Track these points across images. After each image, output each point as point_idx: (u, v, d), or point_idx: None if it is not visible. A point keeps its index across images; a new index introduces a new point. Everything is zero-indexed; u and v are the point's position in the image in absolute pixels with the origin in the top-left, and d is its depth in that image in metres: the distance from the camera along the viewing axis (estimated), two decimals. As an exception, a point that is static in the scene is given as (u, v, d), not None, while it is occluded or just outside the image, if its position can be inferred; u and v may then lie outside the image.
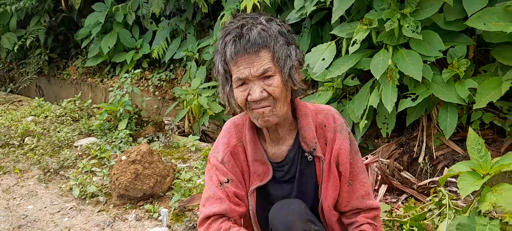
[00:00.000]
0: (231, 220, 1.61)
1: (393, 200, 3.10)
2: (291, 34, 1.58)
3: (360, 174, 1.69)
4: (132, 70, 5.37)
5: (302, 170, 1.67)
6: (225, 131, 1.74)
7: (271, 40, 1.49)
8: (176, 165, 3.73)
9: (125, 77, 4.87)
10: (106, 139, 4.45)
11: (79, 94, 5.83)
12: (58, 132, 4.75)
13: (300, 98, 1.72)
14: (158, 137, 4.46)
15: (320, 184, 1.67)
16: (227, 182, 1.64)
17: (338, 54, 3.70)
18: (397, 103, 3.29)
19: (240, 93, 1.53)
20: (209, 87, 4.84)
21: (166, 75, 5.70)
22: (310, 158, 1.64)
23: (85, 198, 3.40)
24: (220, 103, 4.71)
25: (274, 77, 1.50)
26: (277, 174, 1.69)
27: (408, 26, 3.19)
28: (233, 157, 1.67)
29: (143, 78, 5.86)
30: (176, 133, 4.98)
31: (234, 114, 2.04)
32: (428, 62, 3.25)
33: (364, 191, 1.68)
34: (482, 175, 2.19)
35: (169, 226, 2.85)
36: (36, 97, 6.03)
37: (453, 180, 3.00)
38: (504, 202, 2.01)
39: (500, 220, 1.99)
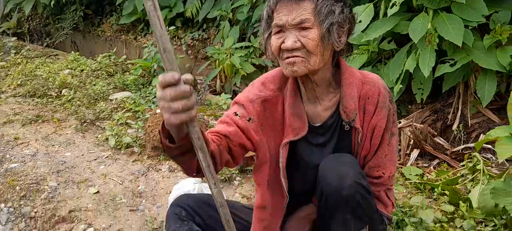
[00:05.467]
0: (223, 141, 1.56)
1: (425, 165, 3.09)
2: None
3: (388, 155, 1.67)
4: (166, 27, 5.40)
5: (339, 138, 1.66)
6: (266, 77, 1.71)
7: None
8: (208, 121, 3.79)
9: (160, 34, 4.91)
10: (140, 94, 4.54)
11: (114, 50, 5.92)
12: (94, 85, 4.87)
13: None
14: (190, 94, 4.52)
15: (355, 154, 1.66)
16: (249, 120, 1.62)
17: (375, 17, 3.63)
18: (434, 69, 3.23)
19: (275, 40, 1.52)
20: (242, 47, 4.84)
21: (199, 35, 5.71)
22: (347, 128, 1.62)
23: (120, 148, 3.51)
24: (252, 64, 4.72)
25: (311, 29, 1.47)
26: (311, 135, 1.67)
27: (450, -11, 3.10)
28: (266, 105, 1.66)
29: (176, 37, 5.89)
30: (208, 92, 5.03)
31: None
32: (470, 28, 3.16)
33: (381, 166, 1.67)
34: (520, 140, 2.16)
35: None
36: (72, 52, 6.16)
37: (488, 146, 2.96)
38: (543, 167, 1.99)
39: (537, 185, 1.97)
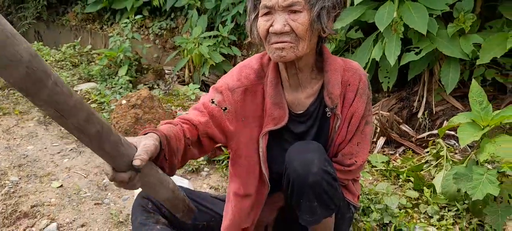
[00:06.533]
0: (193, 130, 1.53)
1: (391, 152, 3.13)
2: None
3: (361, 143, 1.66)
4: (133, 17, 5.30)
5: (320, 126, 1.64)
6: (246, 65, 1.67)
7: None
8: (176, 112, 3.74)
9: (125, 23, 4.81)
10: (106, 84, 4.43)
11: (79, 39, 5.76)
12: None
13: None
14: (158, 85, 4.45)
15: (330, 140, 1.65)
16: (224, 109, 1.58)
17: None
18: (400, 57, 3.27)
19: (263, 23, 1.46)
20: (210, 36, 4.78)
21: (167, 24, 5.62)
22: (329, 114, 1.60)
23: (85, 140, 3.42)
24: (221, 53, 4.67)
25: (301, 13, 1.41)
26: (292, 124, 1.64)
27: (415, -22, 3.13)
28: (247, 94, 1.61)
29: (144, 27, 5.79)
30: (176, 82, 4.97)
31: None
32: (434, 16, 3.21)
33: (353, 154, 1.65)
34: (482, 127, 2.21)
35: (168, 169, 2.87)
36: (35, 42, 5.97)
37: (451, 133, 3.02)
38: (503, 153, 2.03)
39: (497, 170, 2.01)
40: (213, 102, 1.59)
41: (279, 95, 1.60)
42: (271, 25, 1.44)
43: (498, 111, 2.24)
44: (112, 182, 1.12)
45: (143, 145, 1.17)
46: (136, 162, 1.10)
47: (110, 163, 1.08)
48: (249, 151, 1.66)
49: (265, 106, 1.61)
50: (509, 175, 2.03)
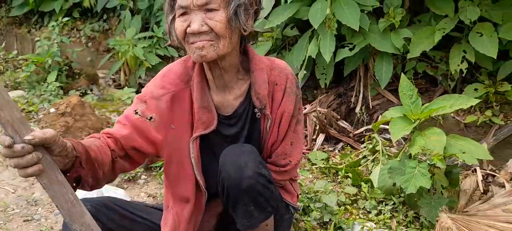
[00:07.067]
0: (117, 144, 1.52)
1: (330, 149, 3.16)
2: None
3: (295, 143, 1.66)
4: (61, 19, 5.04)
5: (250, 127, 1.62)
6: (170, 70, 1.62)
7: None
8: (111, 118, 3.59)
9: (53, 26, 4.56)
10: (34, 92, 4.18)
11: (3, 44, 5.41)
12: (-20, 85, 4.42)
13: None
14: (91, 90, 4.26)
15: (262, 141, 1.63)
16: (150, 119, 1.55)
17: (277, 4, 3.63)
18: (335, 54, 3.30)
19: (180, 24, 1.43)
20: (145, 38, 4.64)
21: (99, 26, 5.40)
22: (259, 115, 1.58)
23: (11, 153, 3.20)
24: (157, 55, 4.54)
25: (217, 11, 1.39)
26: (222, 126, 1.61)
27: (346, -25, 3.16)
28: (174, 100, 1.57)
29: (75, 29, 5.53)
30: (112, 86, 4.78)
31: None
32: (365, 12, 3.26)
33: (287, 154, 1.65)
34: (412, 120, 2.25)
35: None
36: (-46, 49, 5.55)
37: (387, 127, 3.09)
38: (433, 145, 2.09)
39: (429, 163, 2.06)
40: (136, 113, 1.54)
41: (206, 98, 1.56)
42: (188, 26, 1.41)
43: (427, 104, 2.30)
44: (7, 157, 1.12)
45: (43, 130, 1.19)
46: (28, 136, 1.12)
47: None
48: (181, 157, 1.61)
49: (194, 110, 1.57)
50: (440, 167, 2.08)
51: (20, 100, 4.01)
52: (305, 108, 3.28)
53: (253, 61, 1.58)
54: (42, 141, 1.14)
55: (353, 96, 3.55)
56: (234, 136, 1.63)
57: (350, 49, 3.26)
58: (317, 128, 3.23)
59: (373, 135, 2.79)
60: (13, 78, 4.48)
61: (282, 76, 1.59)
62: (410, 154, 2.15)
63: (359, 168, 2.69)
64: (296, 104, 1.62)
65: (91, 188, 1.44)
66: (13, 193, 2.79)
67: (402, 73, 2.50)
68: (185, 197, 1.66)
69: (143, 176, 2.91)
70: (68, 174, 1.30)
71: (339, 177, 2.68)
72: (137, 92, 4.41)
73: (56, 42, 4.39)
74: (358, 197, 2.44)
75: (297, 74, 3.47)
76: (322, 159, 2.88)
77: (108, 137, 1.50)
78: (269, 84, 1.58)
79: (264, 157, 1.65)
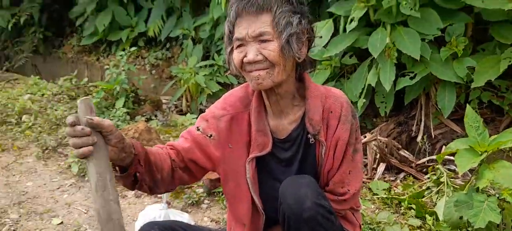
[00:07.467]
0: (178, 156, 1.63)
1: (391, 178, 3.13)
2: (301, 5, 1.58)
3: (353, 172, 1.66)
4: (128, 48, 5.33)
5: (305, 152, 1.66)
6: (231, 94, 1.74)
7: (274, 4, 1.50)
8: (174, 143, 3.73)
9: (121, 55, 4.84)
10: (104, 117, 4.43)
11: (75, 72, 5.79)
12: (55, 110, 4.73)
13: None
14: (156, 116, 4.46)
15: (319, 168, 1.66)
16: (210, 137, 1.65)
17: (335, 33, 3.69)
18: (395, 82, 3.29)
19: (237, 54, 1.54)
20: (206, 66, 4.82)
21: (163, 54, 5.66)
22: (312, 141, 1.63)
23: (84, 175, 3.41)
24: (217, 82, 4.70)
25: (271, 42, 1.49)
26: (277, 150, 1.67)
27: (406, 4, 3.17)
28: (233, 122, 1.67)
29: (140, 57, 5.82)
30: (174, 112, 4.98)
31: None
32: (426, 41, 3.24)
33: (345, 183, 1.66)
34: (479, 153, 2.21)
35: (168, 203, 2.87)
36: (32, 76, 6.00)
37: (452, 158, 3.03)
38: (502, 179, 2.04)
39: (498, 197, 2.01)
40: (198, 129, 1.67)
41: (262, 122, 1.65)
42: (245, 56, 1.52)
43: (495, 136, 2.25)
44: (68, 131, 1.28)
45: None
46: (89, 117, 1.28)
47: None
48: (237, 177, 1.69)
49: (251, 133, 1.66)
50: (510, 202, 2.02)
51: (91, 125, 4.26)
52: (365, 136, 3.28)
53: (308, 89, 1.64)
54: (99, 125, 1.29)
55: (414, 125, 3.50)
56: (288, 160, 1.68)
57: (411, 78, 3.24)
58: (378, 156, 3.22)
59: (437, 165, 2.75)
60: (84, 104, 4.77)
61: (337, 104, 1.63)
62: (478, 187, 2.11)
63: (423, 199, 2.65)
64: (351, 133, 1.64)
65: (150, 190, 1.58)
66: (85, 213, 2.96)
67: (468, 104, 2.46)
68: (241, 219, 1.72)
69: (206, 201, 3.00)
70: (128, 171, 1.45)
71: (402, 208, 2.65)
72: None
73: (124, 70, 4.65)
74: (423, 229, 2.41)
75: (356, 102, 3.49)
76: (384, 189, 2.86)
77: (171, 149, 1.63)
78: (324, 111, 1.62)
79: (322, 184, 1.68)
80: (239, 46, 1.54)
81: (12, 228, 2.77)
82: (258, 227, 1.74)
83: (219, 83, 4.69)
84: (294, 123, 1.66)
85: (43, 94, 5.32)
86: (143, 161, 1.47)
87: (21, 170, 3.61)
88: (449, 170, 2.92)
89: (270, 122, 1.67)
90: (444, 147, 3.13)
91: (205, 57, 5.09)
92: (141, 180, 1.51)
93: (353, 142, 1.65)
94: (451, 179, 2.69)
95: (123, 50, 5.46)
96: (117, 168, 1.49)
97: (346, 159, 1.65)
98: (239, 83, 4.76)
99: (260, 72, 1.50)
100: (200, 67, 4.77)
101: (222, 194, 2.97)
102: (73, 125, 1.27)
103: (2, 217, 2.89)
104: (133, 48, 5.17)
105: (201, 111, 4.77)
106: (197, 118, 4.22)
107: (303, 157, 1.66)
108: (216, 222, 2.78)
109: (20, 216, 2.91)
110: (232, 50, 1.58)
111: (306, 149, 1.66)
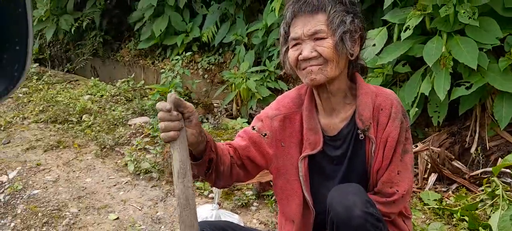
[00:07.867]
0: (235, 153, 1.70)
1: (443, 189, 3.07)
2: (354, 5, 1.65)
3: (402, 172, 1.66)
4: (183, 53, 5.51)
5: (355, 149, 1.69)
6: (285, 96, 1.82)
7: (329, 5, 1.59)
8: (225, 146, 3.83)
9: (176, 59, 5.01)
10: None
11: (132, 75, 6.03)
12: (113, 110, 4.96)
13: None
14: (207, 119, 4.58)
15: (368, 167, 1.68)
16: (264, 135, 1.73)
17: (389, 40, 3.66)
18: (449, 92, 3.23)
19: (293, 53, 1.62)
20: (257, 71, 4.90)
21: (215, 59, 5.80)
22: (362, 137, 1.65)
23: (139, 173, 3.56)
24: (268, 88, 4.77)
25: (325, 39, 1.58)
26: (328, 148, 1.71)
27: (464, 12, 3.11)
28: (285, 121, 1.75)
29: (193, 62, 5.99)
30: (225, 116, 5.08)
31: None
32: (484, 50, 3.17)
33: (394, 183, 1.65)
34: (539, 166, 2.15)
35: (219, 204, 2.95)
36: (92, 77, 6.30)
37: (507, 170, 2.94)
38: (562, 194, 1.97)
39: (557, 212, 1.95)
40: (254, 129, 1.76)
41: (313, 120, 1.72)
42: (300, 53, 1.60)
43: (556, 150, 2.17)
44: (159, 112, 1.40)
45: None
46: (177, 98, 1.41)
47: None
48: (289, 175, 1.76)
49: (303, 131, 1.73)
50: None
51: (146, 125, 4.45)
52: (417, 146, 3.24)
53: (360, 86, 1.70)
54: (184, 104, 1.42)
55: (468, 136, 3.42)
56: (339, 158, 1.72)
57: (467, 88, 3.17)
58: (429, 166, 3.17)
59: (492, 177, 2.68)
60: (140, 105, 4.98)
61: (387, 102, 1.67)
62: (536, 202, 2.05)
63: (476, 211, 2.59)
64: (401, 131, 1.65)
65: (214, 182, 1.67)
66: (140, 210, 3.09)
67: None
68: (291, 216, 1.78)
69: (255, 203, 3.06)
70: (202, 158, 1.54)
71: (454, 219, 2.60)
72: (248, 122, 4.66)
73: (179, 74, 4.81)
74: (475, 242, 2.36)
75: (408, 111, 3.44)
76: (435, 199, 2.82)
77: (229, 146, 1.72)
78: (374, 108, 1.66)
79: (371, 184, 1.69)
80: (294, 45, 1.63)
81: (72, 222, 2.94)
82: (308, 224, 1.78)
83: (269, 88, 4.76)
84: (345, 120, 1.71)
85: (102, 95, 5.57)
86: (214, 148, 1.56)
87: (81, 166, 3.81)
88: (504, 182, 2.83)
89: (322, 120, 1.73)
90: (499, 159, 3.04)
91: (257, 63, 5.17)
92: (213, 167, 1.60)
93: (403, 140, 1.66)
94: (507, 192, 2.62)
95: (178, 54, 5.65)
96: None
97: (395, 158, 1.66)
98: (288, 88, 4.81)
99: (313, 68, 1.58)
100: (252, 72, 4.86)
101: (271, 197, 3.02)
102: (169, 111, 1.38)
103: (62, 210, 3.07)
104: (187, 53, 5.33)
105: (251, 115, 4.85)
106: (247, 122, 4.33)
107: (353, 154, 1.70)
108: (264, 225, 2.83)
109: (79, 210, 3.08)
110: (287, 50, 1.67)
111: (356, 146, 1.69)
